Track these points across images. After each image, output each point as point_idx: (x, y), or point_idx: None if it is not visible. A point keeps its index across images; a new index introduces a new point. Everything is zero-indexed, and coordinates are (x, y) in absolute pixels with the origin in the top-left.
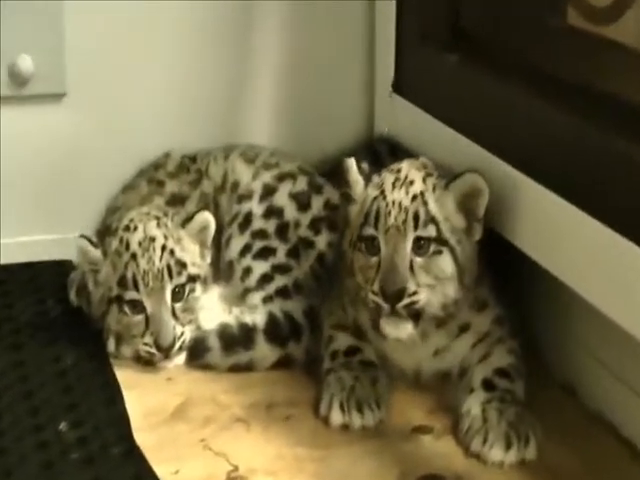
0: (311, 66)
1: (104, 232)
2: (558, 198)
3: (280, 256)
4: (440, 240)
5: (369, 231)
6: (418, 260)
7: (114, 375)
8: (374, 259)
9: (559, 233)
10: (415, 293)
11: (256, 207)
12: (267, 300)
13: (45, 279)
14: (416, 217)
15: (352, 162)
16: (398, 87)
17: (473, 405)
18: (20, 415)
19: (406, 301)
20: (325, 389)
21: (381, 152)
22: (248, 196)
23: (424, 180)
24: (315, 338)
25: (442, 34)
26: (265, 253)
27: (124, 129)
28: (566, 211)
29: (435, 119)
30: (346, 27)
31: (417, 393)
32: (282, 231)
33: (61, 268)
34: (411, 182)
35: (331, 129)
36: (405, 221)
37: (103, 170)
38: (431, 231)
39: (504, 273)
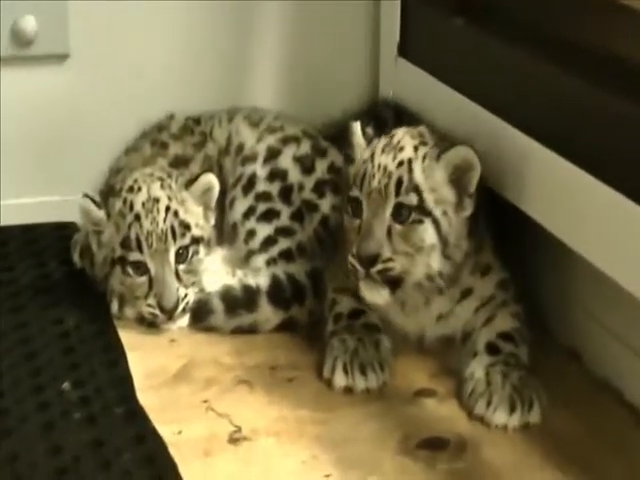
0: (315, 29)
1: (107, 192)
2: (566, 162)
3: (284, 219)
4: (422, 209)
5: (355, 193)
6: (397, 227)
7: (117, 336)
8: (357, 222)
9: (566, 197)
10: (390, 260)
11: (260, 169)
12: (270, 263)
13: (47, 241)
14: (399, 183)
15: (357, 126)
16: (403, 50)
17: (477, 368)
18: (21, 376)
19: (379, 267)
20: (328, 352)
21: (386, 116)
22: (252, 158)
23: (415, 148)
24: (318, 301)
25: None
26: (269, 216)
27: (127, 91)
28: (573, 175)
29: (441, 83)
30: None
31: (420, 357)
32: (286, 194)
33: (63, 230)
34: (401, 148)
35: (335, 93)
36: (387, 185)
37: (106, 131)
38: (413, 199)
39: (504, 237)
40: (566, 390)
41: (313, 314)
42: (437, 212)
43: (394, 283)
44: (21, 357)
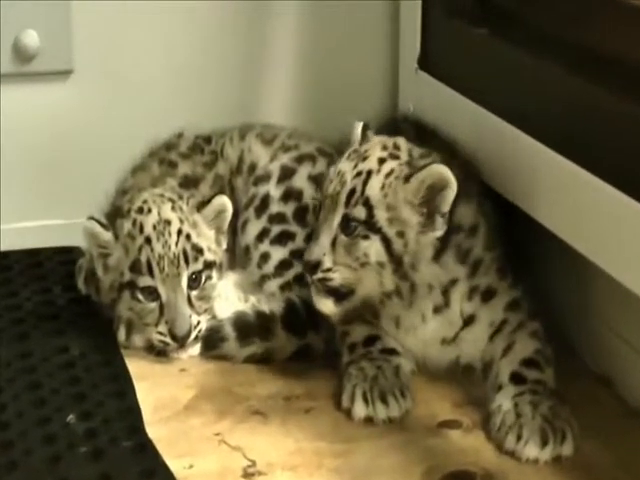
0: (332, 41)
1: (114, 214)
2: (589, 175)
3: (299, 241)
4: (370, 225)
5: (319, 195)
6: (342, 238)
7: (125, 366)
8: (315, 224)
9: (586, 209)
10: (329, 270)
11: (274, 190)
12: (285, 287)
13: (50, 266)
14: (351, 194)
15: (359, 125)
16: (424, 63)
17: (504, 400)
18: (26, 407)
19: (319, 275)
20: (346, 380)
21: (406, 132)
22: (265, 178)
23: (381, 161)
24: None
25: (471, 6)
26: (283, 238)
27: (134, 108)
28: (594, 187)
29: (463, 96)
30: (369, 0)
31: (444, 386)
32: (301, 215)
33: (67, 255)
34: (365, 158)
35: (352, 108)
36: (339, 194)
37: (111, 151)
38: (361, 213)
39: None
40: (596, 418)
41: (330, 341)
42: (389, 231)
43: (339, 294)
44: (25, 387)
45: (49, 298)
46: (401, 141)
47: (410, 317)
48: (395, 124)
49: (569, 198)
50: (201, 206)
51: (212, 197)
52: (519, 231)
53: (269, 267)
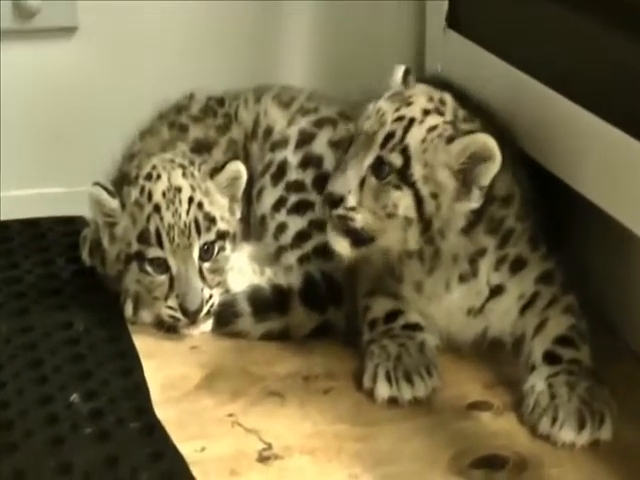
0: (353, 1)
1: (121, 180)
2: (630, 138)
3: (318, 211)
4: (404, 176)
5: (352, 128)
6: (372, 180)
7: (132, 342)
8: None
9: (630, 178)
10: (352, 209)
11: (291, 156)
12: (304, 260)
13: (53, 237)
14: (388, 137)
15: (401, 69)
16: (452, 21)
17: (538, 381)
18: (26, 386)
19: (341, 211)
20: (368, 359)
21: None
22: (283, 143)
23: (425, 112)
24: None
25: None
26: (301, 207)
27: (142, 67)
28: (635, 150)
29: (496, 57)
30: None
31: (472, 365)
32: (321, 183)
33: (71, 225)
34: (408, 104)
35: (376, 69)
36: (376, 133)
37: (118, 113)
38: (397, 160)
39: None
40: (638, 401)
41: (351, 317)
42: (423, 189)
43: (358, 238)
44: (26, 364)
45: (51, 270)
46: (447, 97)
47: (433, 284)
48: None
49: (612, 167)
50: (214, 172)
51: (225, 163)
52: (556, 200)
53: (286, 238)
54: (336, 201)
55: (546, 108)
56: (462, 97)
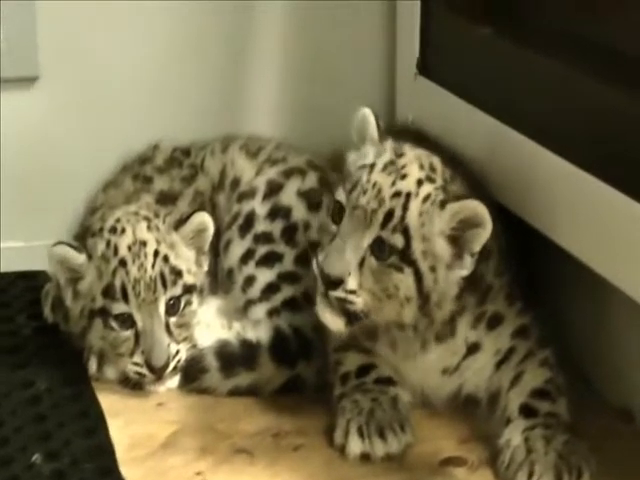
0: (323, 44)
1: (83, 234)
2: (607, 187)
3: (287, 263)
4: (405, 256)
5: (340, 197)
6: (372, 262)
7: (96, 400)
8: (334, 228)
9: (608, 228)
10: (353, 292)
11: (259, 207)
12: (273, 313)
13: (13, 292)
14: (388, 216)
15: (371, 114)
16: (424, 67)
17: (514, 435)
18: None
19: (341, 294)
20: (340, 415)
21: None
22: (250, 194)
23: (419, 182)
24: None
25: (473, 4)
26: (270, 259)
27: (105, 118)
28: (616, 201)
29: (469, 104)
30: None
31: (446, 420)
32: (289, 234)
33: (32, 280)
34: (404, 175)
35: (346, 116)
36: (375, 212)
37: (80, 165)
38: (398, 241)
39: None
40: (617, 455)
41: (322, 372)
42: (423, 265)
43: (350, 316)
44: None
45: (12, 328)
46: (435, 161)
47: (409, 343)
48: (393, 136)
49: (590, 216)
50: (179, 224)
51: (191, 214)
52: (531, 252)
53: (255, 291)
54: (335, 283)
55: (521, 157)
56: (436, 149)
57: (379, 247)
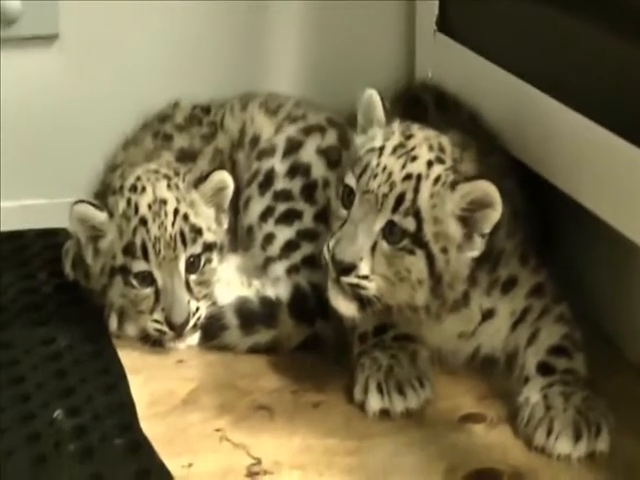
0: (341, 2)
1: (104, 192)
2: (631, 146)
3: (307, 220)
4: (417, 239)
5: (350, 180)
6: (384, 246)
7: (117, 357)
8: (344, 213)
9: (632, 188)
10: (365, 278)
11: (279, 164)
12: (292, 271)
13: (34, 250)
14: (400, 199)
15: (377, 96)
16: (443, 25)
17: (532, 392)
18: (8, 402)
19: (353, 280)
20: (359, 372)
21: (425, 101)
22: (270, 152)
23: (429, 164)
24: None
25: None
26: (290, 217)
27: (125, 76)
28: (630, 156)
29: (488, 61)
30: None
31: (465, 378)
32: (309, 191)
33: (53, 237)
34: (414, 157)
35: (365, 75)
36: (386, 196)
37: (101, 123)
38: (410, 224)
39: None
40: (635, 412)
41: (340, 330)
42: (434, 247)
43: (366, 301)
44: (7, 381)
45: (33, 285)
46: (444, 141)
47: (422, 320)
48: (413, 94)
49: (610, 174)
50: (199, 182)
51: (210, 172)
52: (549, 206)
53: (274, 249)
54: (346, 269)
55: (541, 113)
56: (455, 106)
57: (391, 231)
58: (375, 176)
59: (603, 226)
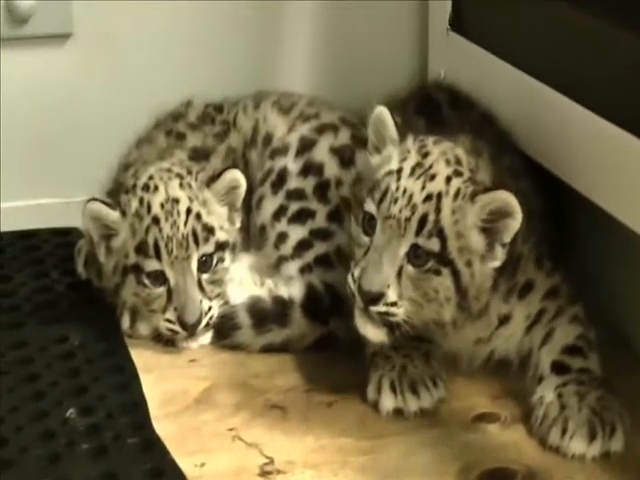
0: (354, 1)
1: (117, 191)
2: (637, 140)
3: (320, 219)
4: (442, 258)
5: (370, 207)
6: (410, 270)
7: (129, 356)
8: (366, 240)
9: (638, 182)
10: (394, 304)
11: (292, 163)
12: (305, 270)
13: (47, 249)
14: (422, 221)
15: (387, 113)
16: (456, 24)
17: (547, 392)
18: (22, 401)
19: (382, 308)
20: (372, 371)
21: (439, 100)
22: (283, 151)
23: (448, 179)
24: None
25: None
26: (302, 216)
27: (138, 74)
28: None
29: (501, 60)
30: None
31: (479, 378)
32: (322, 191)
33: (66, 236)
34: (432, 176)
35: (378, 74)
36: (409, 220)
37: (114, 122)
38: (434, 245)
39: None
40: None
41: (354, 329)
42: (459, 262)
43: (396, 326)
44: (21, 380)
45: (46, 283)
46: (460, 152)
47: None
48: (427, 93)
49: (625, 173)
50: (211, 181)
51: (223, 171)
52: (564, 207)
53: (287, 248)
54: (374, 299)
55: (555, 113)
56: (468, 105)
57: (415, 254)
58: (396, 200)
59: (619, 226)
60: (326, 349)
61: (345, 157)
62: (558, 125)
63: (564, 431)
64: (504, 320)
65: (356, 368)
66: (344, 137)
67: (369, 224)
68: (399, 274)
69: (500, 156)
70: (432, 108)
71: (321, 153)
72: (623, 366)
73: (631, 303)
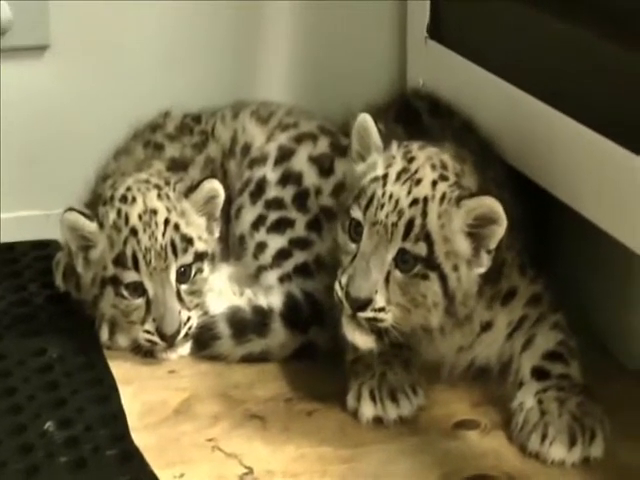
0: (333, 10)
1: (95, 202)
2: (629, 153)
3: (299, 228)
4: (430, 262)
5: (356, 214)
6: (397, 275)
7: (108, 368)
8: (353, 247)
9: (632, 196)
10: (382, 310)
11: (270, 172)
12: (285, 279)
13: (26, 262)
14: (409, 226)
15: (370, 120)
16: (434, 31)
17: (527, 397)
18: (0, 414)
19: (369, 314)
20: (352, 379)
21: (419, 109)
22: (261, 160)
23: (434, 183)
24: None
25: None
26: (281, 225)
27: (115, 86)
28: (628, 164)
29: (480, 68)
30: None
31: (459, 385)
32: (301, 200)
33: (44, 249)
34: (418, 181)
35: (357, 83)
36: (395, 225)
37: (92, 134)
38: (422, 249)
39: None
40: (631, 419)
41: (335, 337)
42: (446, 267)
43: (384, 332)
44: None
45: (24, 296)
46: (446, 157)
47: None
48: (406, 101)
49: (606, 181)
50: (189, 192)
51: (201, 181)
52: (544, 215)
53: (266, 257)
54: (362, 305)
55: (534, 120)
56: (448, 113)
57: (403, 259)
58: (382, 206)
59: (603, 235)
60: (306, 358)
61: (324, 166)
62: (539, 133)
63: (544, 437)
64: (486, 327)
65: (336, 377)
66: (323, 146)
67: (356, 231)
68: (387, 280)
69: (483, 163)
70: (411, 116)
71: (300, 162)
72: (605, 373)
73: (613, 312)
